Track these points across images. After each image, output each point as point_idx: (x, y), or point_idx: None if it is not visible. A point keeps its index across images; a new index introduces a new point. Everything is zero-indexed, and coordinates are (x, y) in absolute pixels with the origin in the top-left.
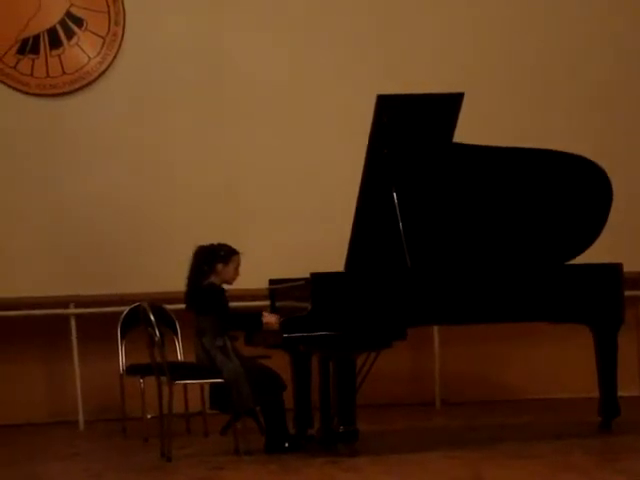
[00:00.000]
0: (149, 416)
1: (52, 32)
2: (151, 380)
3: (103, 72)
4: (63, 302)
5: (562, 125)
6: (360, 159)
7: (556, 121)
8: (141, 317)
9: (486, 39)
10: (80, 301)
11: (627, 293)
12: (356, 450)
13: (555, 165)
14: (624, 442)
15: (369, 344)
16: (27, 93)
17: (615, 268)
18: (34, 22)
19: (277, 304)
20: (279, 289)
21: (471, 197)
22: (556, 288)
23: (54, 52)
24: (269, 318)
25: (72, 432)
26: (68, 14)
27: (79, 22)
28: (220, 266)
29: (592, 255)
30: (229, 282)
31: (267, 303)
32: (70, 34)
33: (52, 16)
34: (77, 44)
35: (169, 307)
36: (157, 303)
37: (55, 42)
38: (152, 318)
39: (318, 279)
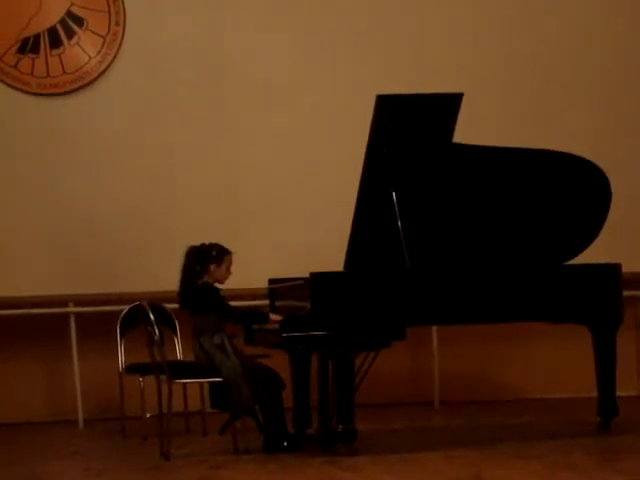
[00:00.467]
0: (148, 415)
1: (52, 31)
2: (150, 379)
3: (103, 72)
4: (63, 301)
5: (561, 125)
6: (360, 159)
7: (555, 121)
8: (141, 316)
9: (486, 39)
10: (80, 300)
11: (626, 293)
12: (355, 449)
13: (554, 165)
14: (623, 442)
15: (368, 344)
16: (27, 92)
17: (614, 268)
18: (34, 21)
19: (276, 303)
20: (278, 288)
21: (470, 197)
22: (555, 288)
23: (54, 51)
24: (276, 316)
25: (71, 431)
26: (68, 13)
27: (79, 21)
28: (213, 266)
29: (591, 255)
30: (221, 282)
31: (266, 302)
32: (70, 33)
33: (52, 15)
34: (77, 43)
35: (169, 306)
36: (157, 302)
37: (55, 41)
38: (152, 317)
39: (317, 279)
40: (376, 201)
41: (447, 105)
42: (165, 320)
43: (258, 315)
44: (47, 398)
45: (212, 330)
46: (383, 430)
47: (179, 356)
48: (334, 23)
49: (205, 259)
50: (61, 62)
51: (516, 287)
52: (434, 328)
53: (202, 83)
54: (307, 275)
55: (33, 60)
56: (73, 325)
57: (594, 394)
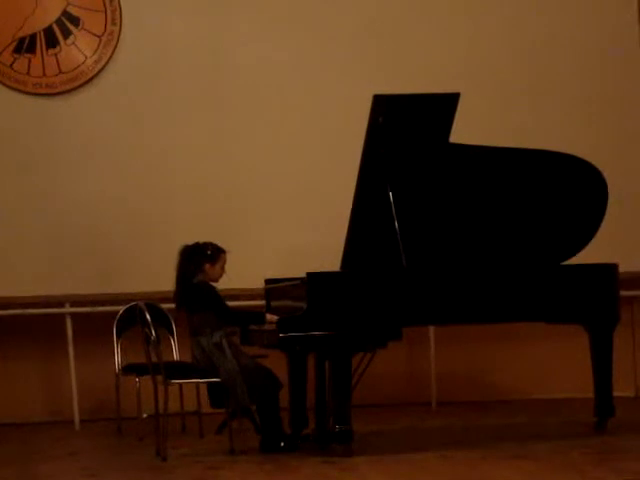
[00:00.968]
0: (145, 415)
1: (49, 31)
2: (147, 379)
3: (99, 71)
4: (59, 301)
5: (558, 126)
6: (357, 159)
7: (552, 121)
8: (137, 316)
9: (484, 39)
10: (76, 300)
11: (623, 293)
12: (351, 450)
13: (551, 165)
14: (620, 442)
15: (365, 344)
16: (23, 92)
17: (611, 268)
18: (31, 21)
19: (273, 304)
20: (275, 289)
21: (467, 197)
22: (552, 288)
23: (51, 51)
24: (273, 317)
25: (68, 431)
26: (65, 13)
27: (76, 21)
28: (208, 265)
29: (588, 255)
30: (215, 281)
31: (263, 303)
32: (67, 33)
33: (49, 15)
34: (74, 43)
35: (165, 306)
36: (153, 302)
37: (52, 41)
38: (148, 317)
39: (314, 279)
40: (373, 201)
41: (444, 105)
42: (161, 320)
43: (255, 316)
44: (43, 398)
45: (211, 329)
46: (380, 431)
47: (175, 356)
48: (333, 23)
49: (200, 258)
50: (57, 62)
51: (513, 287)
52: (431, 328)
53: (199, 83)
54: (303, 275)
55: (29, 60)
56: (69, 325)
57: (591, 394)
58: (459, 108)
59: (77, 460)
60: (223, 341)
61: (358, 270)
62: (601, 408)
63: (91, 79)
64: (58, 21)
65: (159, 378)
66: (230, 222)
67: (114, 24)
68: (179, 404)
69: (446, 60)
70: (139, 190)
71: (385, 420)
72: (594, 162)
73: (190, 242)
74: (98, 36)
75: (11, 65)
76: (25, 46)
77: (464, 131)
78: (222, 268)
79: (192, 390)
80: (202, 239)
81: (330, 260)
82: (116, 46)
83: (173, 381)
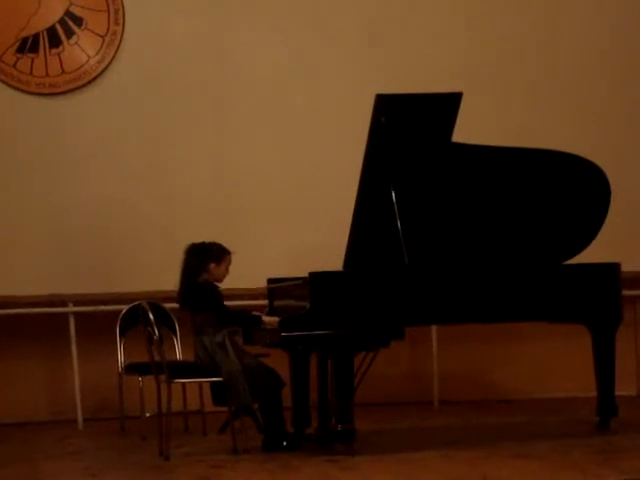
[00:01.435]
0: (148, 415)
1: (52, 31)
2: (150, 379)
3: (102, 71)
4: (62, 301)
5: (561, 125)
6: (359, 158)
7: (554, 121)
8: (140, 316)
9: (485, 38)
10: (79, 300)
11: (625, 292)
12: (354, 449)
13: (553, 165)
14: (622, 441)
15: (367, 343)
16: (26, 92)
17: (613, 268)
18: (34, 21)
19: (275, 303)
20: (277, 288)
21: (469, 197)
22: (554, 288)
23: (53, 51)
24: (269, 318)
25: (71, 430)
26: (68, 13)
27: (79, 21)
28: (213, 265)
29: (590, 255)
30: (219, 281)
31: (265, 302)
32: (70, 33)
33: (52, 15)
34: (77, 43)
35: (168, 306)
36: (156, 302)
37: (54, 41)
38: (151, 317)
39: (316, 278)
40: (375, 200)
41: (446, 104)
42: (164, 320)
43: (251, 319)
44: (46, 397)
45: (213, 328)
46: (382, 430)
47: (178, 356)
48: (334, 23)
49: (205, 257)
50: (60, 62)
51: (516, 287)
52: (433, 328)
53: (201, 83)
54: (306, 275)
55: (32, 60)
56: (72, 325)
57: (593, 393)
58: (462, 107)
59: (80, 459)
60: (226, 340)
61: (361, 269)
62: (604, 408)
63: (94, 79)
64: (61, 21)
65: (162, 377)
66: (233, 222)
67: (117, 24)
68: (182, 403)
69: (448, 59)
70: (142, 189)
71: (387, 419)
72: (596, 161)
73: (195, 241)
74: (101, 36)
75: (14, 65)
76: (28, 46)
77: (466, 130)
78: (226, 269)
79: (195, 389)
80: (205, 239)
81: (333, 259)
82: (119, 46)
83: (176, 380)
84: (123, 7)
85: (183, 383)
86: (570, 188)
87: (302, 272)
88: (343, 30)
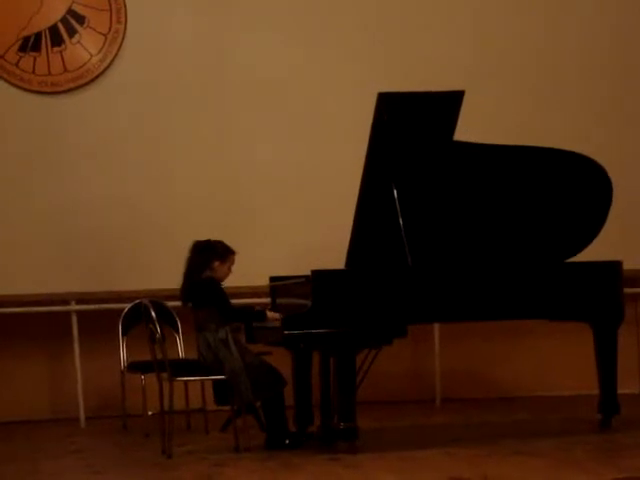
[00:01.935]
0: (150, 413)
1: (54, 30)
2: (152, 377)
3: (105, 70)
4: (64, 299)
5: (563, 124)
6: (361, 157)
7: (557, 119)
8: (142, 314)
9: (486, 37)
10: (81, 298)
11: (627, 290)
12: (356, 447)
13: (555, 163)
14: (624, 439)
15: (369, 341)
16: (29, 91)
17: (615, 265)
18: (36, 20)
19: (278, 301)
20: (280, 286)
21: (472, 195)
22: (556, 285)
23: (56, 49)
24: (272, 314)
25: (73, 429)
26: (70, 12)
27: (81, 20)
28: (217, 263)
29: (592, 253)
30: (221, 280)
31: (268, 300)
32: (72, 32)
33: (54, 14)
34: (79, 42)
35: (170, 304)
36: (158, 300)
37: (57, 40)
38: (153, 315)
39: (319, 276)
40: (378, 199)
41: (448, 103)
42: (166, 318)
43: (255, 314)
44: (49, 396)
45: (216, 324)
46: (384, 428)
47: (180, 354)
48: (334, 22)
49: (210, 255)
50: (62, 60)
51: (518, 285)
52: (436, 326)
53: (203, 81)
54: (308, 273)
55: (34, 58)
56: (75, 323)
57: (595, 391)
58: (464, 106)
59: (82, 457)
60: (229, 337)
61: (363, 268)
62: (606, 405)
63: (96, 77)
64: (63, 19)
65: (164, 375)
66: (234, 221)
67: (119, 22)
68: (184, 401)
69: (451, 58)
70: (144, 188)
71: (389, 417)
72: (598, 159)
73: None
74: (103, 34)
75: (16, 64)
76: (30, 45)
77: (468, 129)
78: (229, 268)
79: (197, 387)
80: (207, 237)
81: (335, 258)
82: (121, 44)
83: (178, 378)
84: (125, 6)
85: (185, 381)
86: (572, 186)
87: (304, 270)
88: (345, 29)
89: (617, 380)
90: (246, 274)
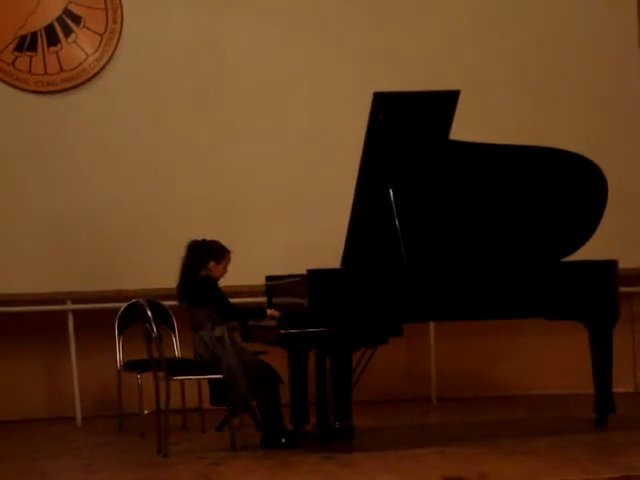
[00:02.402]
0: (146, 412)
1: (50, 29)
2: (148, 376)
3: (101, 69)
4: (60, 298)
5: (558, 123)
6: (357, 157)
7: (552, 119)
8: (138, 313)
9: (486, 37)
10: (78, 297)
11: (622, 289)
12: (352, 446)
13: (551, 162)
14: (620, 438)
15: (365, 340)
16: (25, 90)
17: (610, 265)
18: (32, 19)
19: (274, 300)
20: (276, 285)
21: (467, 194)
22: (552, 285)
23: (52, 49)
24: (273, 311)
25: (69, 428)
26: (66, 11)
27: (77, 19)
28: (212, 263)
29: (587, 252)
30: (217, 279)
31: (264, 299)
32: (68, 31)
33: (50, 13)
34: (75, 41)
35: (166, 303)
36: (154, 299)
37: (53, 39)
38: (149, 314)
39: (315, 275)
40: (373, 198)
41: (444, 102)
42: (163, 317)
43: (255, 310)
44: (45, 395)
45: (212, 323)
46: (380, 426)
47: (177, 353)
48: (334, 23)
49: (205, 255)
50: (58, 60)
51: (513, 284)
52: (431, 324)
53: (200, 81)
54: (304, 272)
55: (30, 58)
56: (71, 322)
57: (590, 390)
58: (461, 105)
59: (79, 456)
60: (225, 335)
61: (359, 267)
62: (601, 404)
63: (92, 77)
64: (59, 19)
65: (160, 374)
66: (231, 219)
67: (115, 22)
68: (180, 400)
69: (451, 58)
70: (140, 187)
71: (386, 416)
72: (594, 159)
73: (197, 238)
74: (99, 34)
75: (12, 63)
76: (26, 44)
77: (468, 128)
78: (225, 268)
79: (193, 386)
80: (204, 237)
81: (331, 257)
82: (117, 44)
83: (174, 377)
84: (121, 5)
85: (181, 380)
86: (567, 185)
87: (300, 269)
88: (343, 29)
89: (612, 379)
90: (242, 273)
